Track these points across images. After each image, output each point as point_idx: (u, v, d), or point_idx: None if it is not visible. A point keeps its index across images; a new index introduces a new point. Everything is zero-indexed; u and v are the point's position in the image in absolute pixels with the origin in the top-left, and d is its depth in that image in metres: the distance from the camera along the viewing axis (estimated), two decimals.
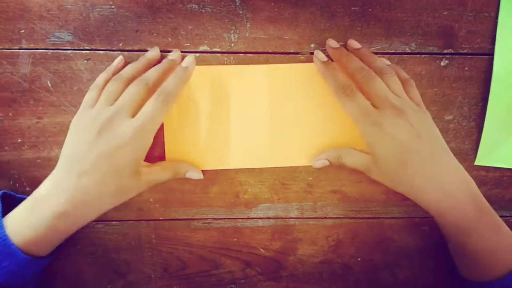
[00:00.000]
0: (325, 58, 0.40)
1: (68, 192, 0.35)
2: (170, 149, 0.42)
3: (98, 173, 0.35)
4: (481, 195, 0.38)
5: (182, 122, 0.42)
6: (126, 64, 0.40)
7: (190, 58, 0.40)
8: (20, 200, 0.37)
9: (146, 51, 0.41)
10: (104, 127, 0.35)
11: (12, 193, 0.40)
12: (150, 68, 0.39)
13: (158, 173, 0.40)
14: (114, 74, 0.39)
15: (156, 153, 0.42)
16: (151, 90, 0.37)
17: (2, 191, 0.39)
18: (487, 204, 0.38)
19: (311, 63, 0.41)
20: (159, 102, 0.36)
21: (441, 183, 0.37)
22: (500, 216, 0.38)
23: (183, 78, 0.38)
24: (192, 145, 0.42)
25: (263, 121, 0.42)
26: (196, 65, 0.41)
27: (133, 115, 0.36)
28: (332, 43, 0.41)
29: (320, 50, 0.41)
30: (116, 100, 0.37)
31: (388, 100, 0.37)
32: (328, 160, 0.42)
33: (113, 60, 0.40)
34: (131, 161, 0.36)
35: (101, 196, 0.36)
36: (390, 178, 0.39)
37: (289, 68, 0.42)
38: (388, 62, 0.41)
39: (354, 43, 0.41)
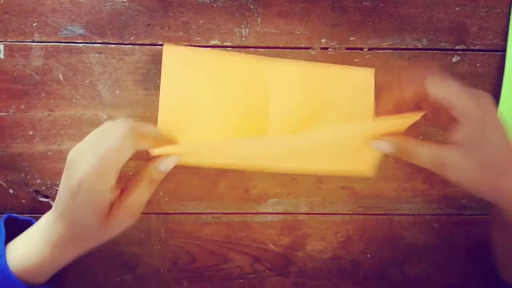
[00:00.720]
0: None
1: (51, 228, 0.35)
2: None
3: (67, 215, 0.34)
4: None
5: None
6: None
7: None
8: (24, 222, 0.38)
9: (158, 45, 0.41)
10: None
11: (15, 216, 0.39)
12: None
13: (134, 200, 0.36)
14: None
15: None
16: None
17: (7, 215, 0.38)
18: None
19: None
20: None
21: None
22: None
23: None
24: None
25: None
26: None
27: None
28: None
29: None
30: None
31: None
32: (395, 147, 0.36)
33: (124, 54, 0.41)
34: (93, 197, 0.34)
35: (74, 239, 0.35)
36: (476, 182, 0.34)
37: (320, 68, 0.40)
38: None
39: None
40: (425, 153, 0.35)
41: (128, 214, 0.35)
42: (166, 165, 0.36)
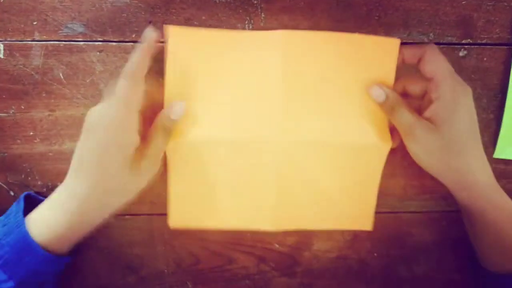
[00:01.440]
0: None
1: (77, 192, 0.35)
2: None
3: (95, 167, 0.35)
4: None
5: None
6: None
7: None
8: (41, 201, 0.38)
9: (160, 42, 0.40)
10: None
11: (34, 194, 0.41)
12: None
13: (153, 145, 0.37)
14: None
15: None
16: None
17: (26, 192, 0.40)
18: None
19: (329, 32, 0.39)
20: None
21: (485, 166, 0.39)
22: None
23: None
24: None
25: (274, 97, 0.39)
26: None
27: None
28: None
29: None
30: None
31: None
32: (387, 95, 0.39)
33: (126, 52, 0.40)
34: (121, 141, 0.35)
35: (105, 193, 0.36)
36: (448, 155, 0.37)
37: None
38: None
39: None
40: (405, 116, 0.38)
41: (151, 162, 0.37)
42: (176, 113, 0.37)
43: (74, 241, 0.38)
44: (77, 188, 0.36)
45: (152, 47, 0.36)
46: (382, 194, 0.43)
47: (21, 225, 0.35)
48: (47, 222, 0.36)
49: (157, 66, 0.40)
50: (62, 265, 0.38)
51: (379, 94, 0.38)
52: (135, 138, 0.36)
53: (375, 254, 0.45)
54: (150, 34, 0.35)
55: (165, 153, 0.40)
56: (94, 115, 0.35)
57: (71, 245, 0.38)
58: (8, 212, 0.38)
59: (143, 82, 0.35)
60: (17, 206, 0.38)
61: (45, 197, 0.37)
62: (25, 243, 0.35)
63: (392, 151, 0.42)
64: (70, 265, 0.40)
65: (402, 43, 0.41)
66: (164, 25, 0.39)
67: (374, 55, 0.39)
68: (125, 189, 0.37)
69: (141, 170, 0.36)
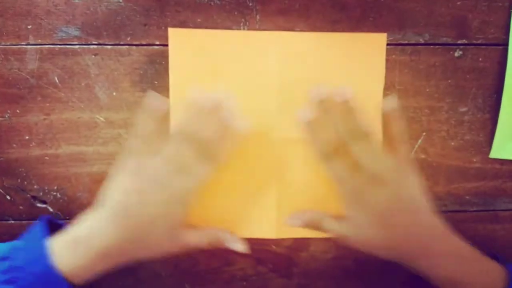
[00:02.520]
0: (308, 118, 0.37)
1: (110, 235, 0.36)
2: None
3: (144, 223, 0.36)
4: (466, 246, 0.38)
5: None
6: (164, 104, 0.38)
7: (243, 123, 0.37)
8: (56, 225, 0.38)
9: (155, 45, 0.40)
10: (163, 186, 0.36)
11: (52, 218, 0.40)
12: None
13: (195, 238, 0.39)
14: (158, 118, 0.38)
15: None
16: (200, 143, 0.37)
17: (47, 216, 0.39)
18: (473, 253, 0.38)
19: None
20: (208, 165, 0.37)
21: (422, 244, 0.37)
22: None
23: (234, 142, 0.38)
24: None
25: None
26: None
27: (184, 171, 0.37)
28: (321, 92, 0.37)
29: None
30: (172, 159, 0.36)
31: (365, 166, 0.36)
32: (304, 224, 0.41)
33: (121, 55, 0.40)
34: (178, 218, 0.37)
35: (139, 246, 0.37)
36: (371, 245, 0.38)
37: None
38: (393, 103, 0.39)
39: (342, 93, 0.37)
40: (329, 229, 0.39)
41: (182, 244, 0.39)
42: (236, 247, 0.40)
43: (94, 278, 0.37)
44: (111, 233, 0.36)
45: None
46: None
47: (46, 256, 0.34)
48: (74, 258, 0.35)
49: (160, 68, 0.40)
50: None
51: (294, 221, 0.41)
52: (184, 213, 0.38)
53: (372, 254, 0.45)
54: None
55: None
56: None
57: (90, 281, 0.37)
58: (27, 235, 0.37)
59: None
60: (40, 232, 0.36)
61: (36, 202, 0.37)
62: (51, 275, 0.34)
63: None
64: None
65: (398, 44, 0.41)
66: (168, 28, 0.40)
67: (364, 51, 0.41)
68: (156, 247, 0.38)
69: (176, 243, 0.38)
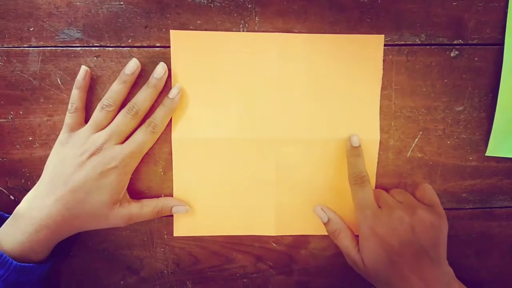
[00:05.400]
0: (357, 144, 0.41)
1: (49, 207, 0.37)
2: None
3: (81, 192, 0.37)
4: None
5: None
6: (89, 73, 0.40)
7: (176, 88, 0.40)
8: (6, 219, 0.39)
9: (156, 47, 0.41)
10: (94, 152, 0.38)
11: (1, 212, 0.41)
12: (132, 80, 0.40)
13: (137, 209, 0.40)
14: (84, 87, 0.40)
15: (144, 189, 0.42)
16: (141, 117, 0.40)
17: None
18: None
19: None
20: (148, 132, 0.39)
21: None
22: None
23: (170, 109, 0.40)
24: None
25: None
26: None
27: (122, 142, 0.39)
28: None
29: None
30: (103, 127, 0.39)
31: (390, 200, 0.40)
32: (329, 220, 0.42)
33: (122, 57, 0.41)
34: (115, 184, 0.38)
35: (79, 216, 0.38)
36: (373, 276, 0.39)
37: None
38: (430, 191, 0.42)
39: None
40: (345, 241, 0.41)
41: (125, 217, 0.40)
42: (178, 210, 0.42)
43: (46, 251, 0.38)
44: (49, 205, 0.37)
45: (177, 103, 0.41)
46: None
47: None
48: (13, 238, 0.36)
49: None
50: (43, 272, 0.39)
51: (322, 216, 0.42)
52: (126, 186, 0.40)
53: None
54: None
55: (171, 153, 0.41)
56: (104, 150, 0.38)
57: (44, 255, 0.38)
58: None
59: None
60: None
61: None
62: None
63: (384, 151, 0.43)
64: (54, 268, 0.41)
65: (395, 45, 0.42)
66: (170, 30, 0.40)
67: (362, 53, 0.41)
68: (98, 219, 0.39)
69: (117, 215, 0.39)
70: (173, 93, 0.40)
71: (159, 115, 0.40)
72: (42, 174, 0.39)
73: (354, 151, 0.41)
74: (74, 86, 0.40)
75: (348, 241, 0.41)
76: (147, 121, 0.40)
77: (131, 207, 0.40)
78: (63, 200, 0.37)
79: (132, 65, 0.39)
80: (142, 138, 0.39)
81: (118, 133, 0.39)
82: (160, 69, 0.40)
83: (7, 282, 0.35)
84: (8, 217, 0.41)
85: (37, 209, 0.37)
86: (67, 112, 0.39)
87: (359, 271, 0.41)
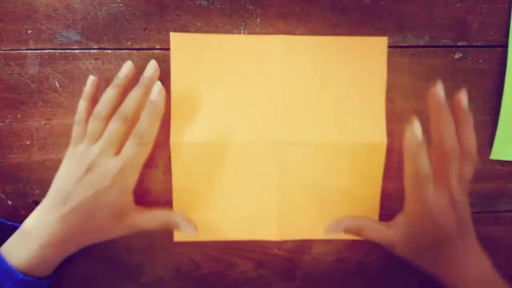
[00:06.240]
0: (421, 139, 0.37)
1: (52, 226, 0.36)
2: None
3: (81, 210, 0.36)
4: (498, 278, 0.38)
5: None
6: (96, 83, 0.39)
7: (157, 88, 0.37)
8: (10, 227, 0.39)
9: (155, 49, 0.40)
10: (89, 167, 0.36)
11: (2, 220, 0.41)
12: (125, 84, 0.38)
13: (144, 219, 0.39)
14: (90, 98, 0.39)
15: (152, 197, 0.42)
16: (131, 121, 0.37)
17: None
18: (498, 276, 0.38)
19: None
20: (136, 144, 0.37)
21: (465, 274, 0.37)
22: None
23: (155, 113, 0.37)
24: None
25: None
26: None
27: (118, 152, 0.37)
28: (440, 92, 0.37)
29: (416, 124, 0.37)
30: (98, 138, 0.37)
31: (451, 189, 0.37)
32: (346, 230, 0.41)
33: (122, 59, 0.40)
34: (115, 201, 0.37)
35: (83, 233, 0.37)
36: (418, 260, 0.39)
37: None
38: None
39: (462, 102, 0.37)
40: (372, 233, 0.40)
41: (131, 227, 0.39)
42: (185, 231, 0.40)
43: (51, 267, 0.38)
44: (51, 224, 0.36)
45: (161, 106, 0.38)
46: (381, 197, 0.43)
47: None
48: (19, 254, 0.36)
49: (161, 72, 0.40)
50: (47, 285, 0.38)
51: (336, 234, 0.41)
52: (132, 196, 0.39)
53: (375, 257, 0.45)
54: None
55: (169, 159, 0.40)
56: (100, 164, 0.37)
57: (49, 271, 0.38)
58: None
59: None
60: None
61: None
62: (3, 269, 0.35)
63: (389, 154, 0.42)
64: (62, 270, 0.40)
65: (398, 46, 0.41)
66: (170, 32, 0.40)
67: (365, 55, 0.41)
68: (103, 233, 0.39)
69: (123, 226, 0.38)
70: (154, 94, 0.37)
71: (143, 122, 0.37)
72: (50, 188, 0.38)
73: (418, 148, 0.37)
74: (81, 97, 0.39)
75: (377, 232, 0.40)
76: (133, 131, 0.37)
77: (136, 218, 0.39)
78: (65, 219, 0.36)
79: (126, 68, 0.38)
80: (131, 152, 0.37)
81: (111, 143, 0.37)
82: (150, 68, 0.38)
83: None
84: (8, 224, 0.40)
85: (41, 227, 0.36)
86: (74, 125, 0.38)
87: (398, 251, 0.40)
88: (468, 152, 0.38)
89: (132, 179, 0.38)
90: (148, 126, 0.37)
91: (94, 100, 0.39)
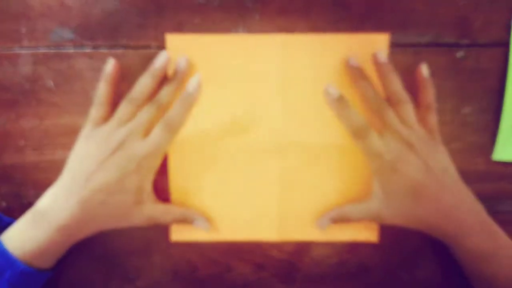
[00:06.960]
0: (337, 94, 0.38)
1: (71, 207, 0.35)
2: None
3: (103, 193, 0.36)
4: (492, 221, 0.38)
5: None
6: (117, 66, 0.38)
7: (195, 80, 0.38)
8: (6, 223, 0.38)
9: (152, 47, 0.39)
10: (117, 148, 0.36)
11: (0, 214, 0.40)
12: (160, 74, 0.38)
13: (161, 213, 0.39)
14: (112, 80, 0.38)
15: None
16: (164, 109, 0.38)
17: None
18: (498, 228, 0.38)
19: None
20: (164, 131, 0.37)
21: (453, 215, 0.37)
22: None
23: (188, 104, 0.38)
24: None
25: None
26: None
27: (145, 136, 0.37)
28: (353, 61, 0.39)
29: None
30: (128, 121, 0.37)
31: (397, 133, 0.37)
32: (334, 221, 0.40)
33: (116, 57, 0.39)
34: (138, 186, 0.37)
35: (101, 217, 0.37)
36: (404, 216, 0.38)
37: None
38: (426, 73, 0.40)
39: (380, 56, 0.39)
40: (356, 214, 0.39)
41: (147, 218, 0.38)
42: (199, 225, 0.40)
43: (57, 255, 0.37)
44: (71, 206, 0.35)
45: (196, 98, 0.39)
46: None
47: None
48: (28, 236, 0.35)
49: None
50: (44, 280, 0.38)
51: (322, 223, 0.41)
52: (151, 187, 0.39)
53: (375, 259, 0.44)
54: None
55: (166, 160, 0.39)
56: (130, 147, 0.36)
57: (54, 260, 0.37)
58: None
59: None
60: None
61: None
62: (4, 258, 0.34)
63: None
64: (52, 279, 0.40)
65: (400, 44, 0.40)
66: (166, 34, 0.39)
67: (366, 52, 0.40)
68: (121, 217, 0.38)
69: (142, 214, 0.38)
70: (192, 86, 0.38)
71: (175, 111, 0.38)
72: (64, 169, 0.37)
73: (340, 105, 0.38)
74: (101, 79, 0.38)
75: (359, 211, 0.39)
76: (162, 119, 0.37)
77: (154, 209, 0.38)
78: (85, 202, 0.35)
79: (161, 58, 0.38)
80: (158, 138, 0.37)
81: (141, 126, 0.37)
82: (182, 61, 0.38)
83: (12, 284, 0.34)
84: (6, 219, 0.40)
85: (60, 208, 0.35)
86: (93, 106, 0.38)
87: (386, 219, 0.39)
88: (396, 95, 0.38)
89: (155, 166, 0.38)
90: (179, 115, 0.38)
91: (114, 83, 0.38)
